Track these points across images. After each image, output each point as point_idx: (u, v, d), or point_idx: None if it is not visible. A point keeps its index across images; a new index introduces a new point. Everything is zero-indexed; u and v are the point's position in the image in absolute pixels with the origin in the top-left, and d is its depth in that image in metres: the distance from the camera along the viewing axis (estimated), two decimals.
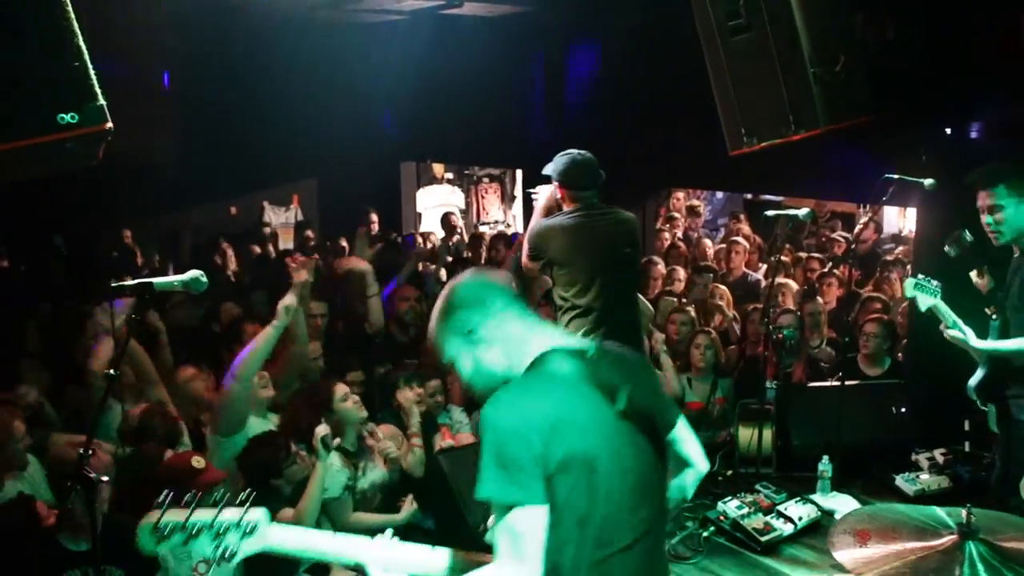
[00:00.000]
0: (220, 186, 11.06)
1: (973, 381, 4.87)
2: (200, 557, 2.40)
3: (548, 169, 5.06)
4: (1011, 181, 4.55)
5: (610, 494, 2.44)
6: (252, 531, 2.42)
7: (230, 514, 2.42)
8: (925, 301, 4.79)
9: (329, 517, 4.88)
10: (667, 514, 2.76)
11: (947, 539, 2.50)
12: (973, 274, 5.28)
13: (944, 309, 4.78)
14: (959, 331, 4.75)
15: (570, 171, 4.90)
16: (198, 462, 4.23)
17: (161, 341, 6.13)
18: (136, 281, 3.40)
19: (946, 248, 5.19)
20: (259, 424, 5.24)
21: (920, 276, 4.89)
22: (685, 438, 2.88)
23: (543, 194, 5.11)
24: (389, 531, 2.68)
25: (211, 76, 8.77)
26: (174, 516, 2.39)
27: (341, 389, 5.19)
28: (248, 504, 2.45)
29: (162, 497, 2.43)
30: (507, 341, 2.57)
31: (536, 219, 5.24)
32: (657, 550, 2.65)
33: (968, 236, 5.10)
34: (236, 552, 2.40)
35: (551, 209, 5.24)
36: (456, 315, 2.60)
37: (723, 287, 8.02)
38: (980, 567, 2.42)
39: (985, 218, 4.67)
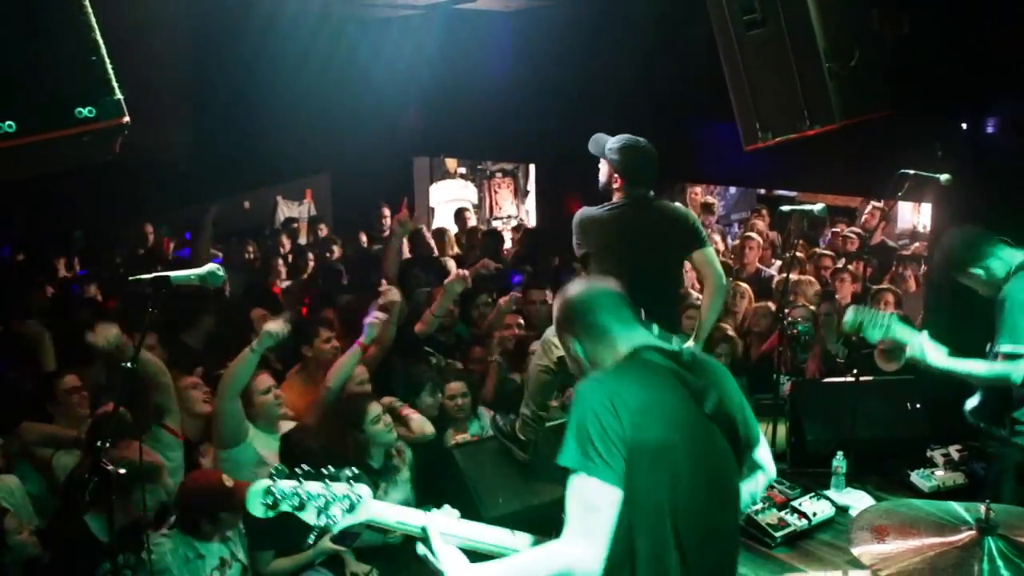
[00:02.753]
0: (234, 181, 11.08)
1: (969, 404, 4.71)
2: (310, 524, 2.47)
3: (608, 151, 4.85)
4: None
5: (691, 491, 2.47)
6: (354, 507, 2.49)
7: (339, 489, 2.50)
8: (874, 333, 4.59)
9: None
10: (737, 524, 2.79)
11: (966, 535, 2.49)
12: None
13: (900, 334, 4.52)
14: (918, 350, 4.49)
15: (629, 160, 4.74)
16: (228, 480, 4.27)
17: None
18: (152, 275, 3.40)
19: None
20: (263, 439, 5.17)
21: (861, 307, 4.74)
22: (762, 444, 2.92)
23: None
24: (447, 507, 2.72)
25: (225, 71, 8.79)
26: (286, 484, 2.46)
27: (375, 409, 5.11)
28: (355, 480, 2.54)
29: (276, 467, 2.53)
30: (605, 347, 2.69)
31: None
32: (730, 555, 2.69)
33: None
34: (336, 524, 2.47)
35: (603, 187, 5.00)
36: (572, 323, 2.78)
37: (744, 284, 8.00)
38: (1000, 563, 2.40)
39: None
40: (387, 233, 10.78)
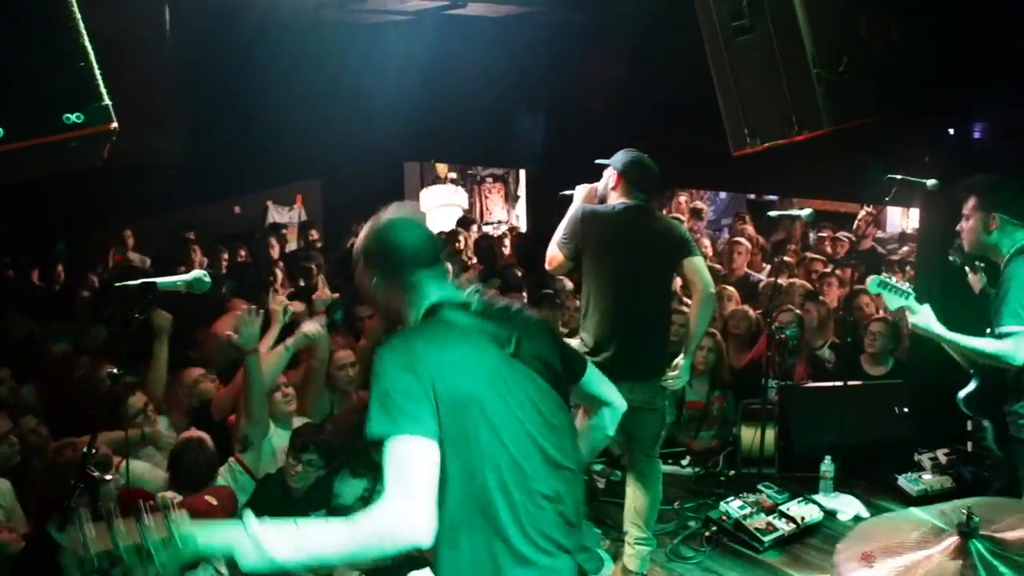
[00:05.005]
0: (224, 186, 11.07)
1: (963, 393, 4.68)
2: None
3: (614, 159, 4.79)
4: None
5: (515, 434, 2.47)
6: (182, 545, 2.23)
7: (157, 531, 2.22)
8: (894, 301, 4.55)
9: None
10: (580, 455, 2.79)
11: (950, 541, 2.48)
12: (968, 272, 5.25)
13: (914, 304, 4.49)
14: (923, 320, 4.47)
15: (635, 166, 4.70)
16: (211, 500, 4.28)
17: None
18: (139, 281, 3.42)
19: (950, 256, 5.16)
20: (279, 435, 5.23)
21: (885, 275, 4.73)
22: (598, 379, 2.93)
23: (579, 194, 4.92)
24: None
25: (215, 76, 8.77)
26: (97, 542, 2.19)
27: None
28: (175, 516, 2.26)
29: (79, 521, 2.23)
30: (408, 295, 2.64)
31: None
32: (573, 486, 2.65)
33: None
34: (171, 571, 2.25)
35: (592, 201, 4.92)
36: (374, 255, 2.68)
37: (731, 288, 8.02)
38: (993, 562, 2.39)
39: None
40: None
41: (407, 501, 2.25)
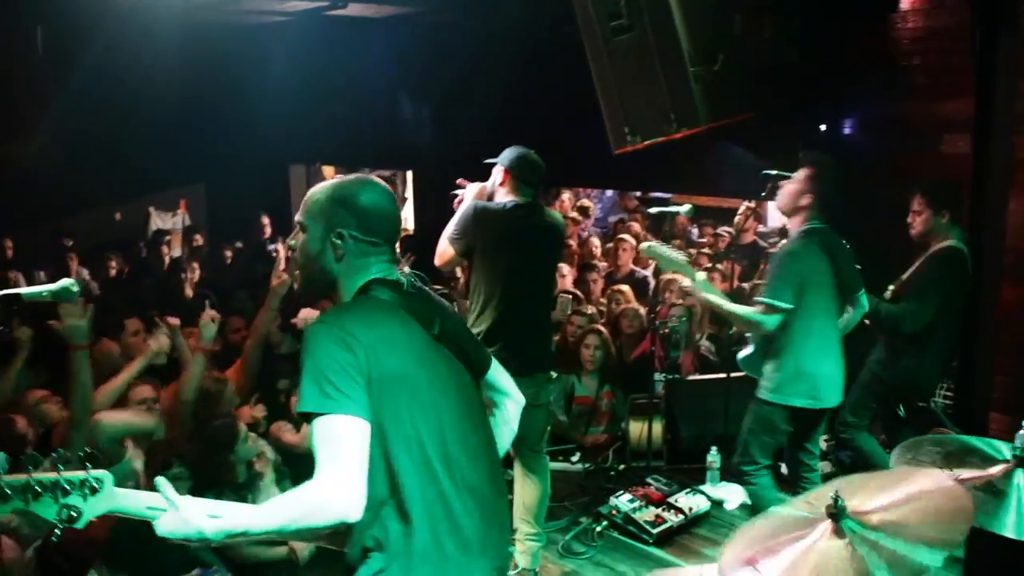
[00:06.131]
0: (103, 192, 10.77)
1: (741, 354, 5.10)
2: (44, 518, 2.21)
3: (501, 157, 4.82)
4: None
5: (440, 413, 2.49)
6: (97, 491, 2.25)
7: (73, 474, 2.23)
8: (667, 264, 5.14)
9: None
10: (494, 440, 2.81)
11: (823, 528, 2.53)
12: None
13: (688, 270, 5.08)
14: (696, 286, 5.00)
15: (522, 163, 4.74)
16: None
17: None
18: (2, 292, 3.29)
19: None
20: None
21: (658, 242, 5.29)
22: (502, 372, 2.95)
23: (468, 193, 4.94)
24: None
25: (92, 80, 8.54)
26: (13, 477, 2.20)
27: (243, 430, 4.91)
28: (92, 463, 2.27)
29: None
30: (355, 263, 2.60)
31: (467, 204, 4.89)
32: (494, 470, 2.70)
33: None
34: (82, 513, 2.23)
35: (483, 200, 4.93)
36: (344, 212, 2.59)
37: (625, 287, 8.11)
38: (866, 535, 2.46)
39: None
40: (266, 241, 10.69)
41: (337, 476, 2.23)
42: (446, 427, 2.50)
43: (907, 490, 2.66)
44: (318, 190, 2.65)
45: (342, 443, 2.27)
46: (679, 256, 5.09)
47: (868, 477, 2.89)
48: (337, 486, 2.23)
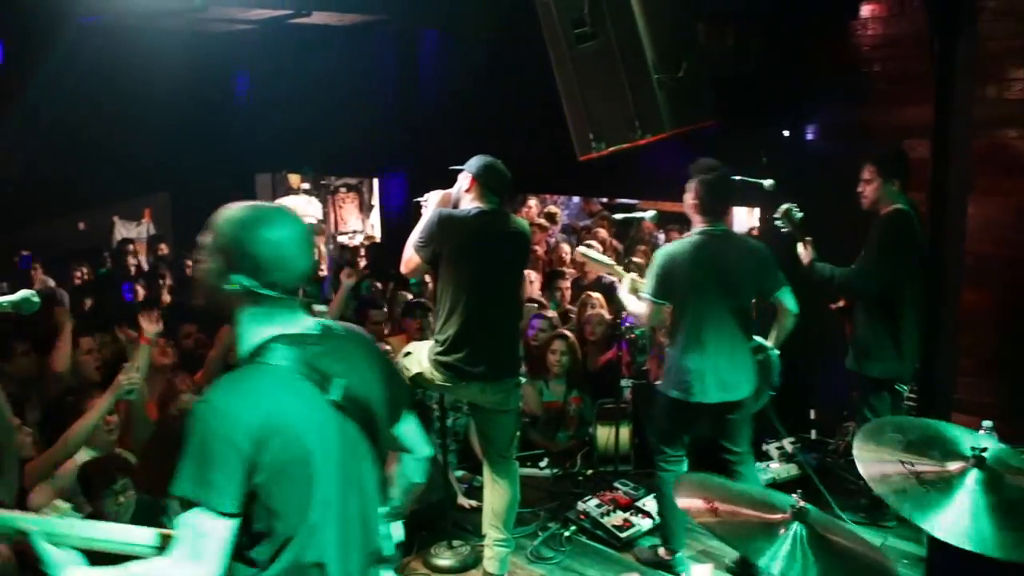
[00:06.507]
0: (66, 201, 10.69)
1: None
2: None
3: (466, 165, 4.82)
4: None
5: (325, 492, 2.42)
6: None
7: None
8: (599, 267, 5.64)
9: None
10: (376, 513, 2.68)
11: (780, 516, 2.62)
12: (799, 246, 5.60)
13: (616, 271, 5.42)
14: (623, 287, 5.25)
15: (489, 171, 4.74)
16: None
17: None
18: None
19: (776, 221, 5.62)
20: None
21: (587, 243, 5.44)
22: (411, 425, 2.86)
23: (432, 200, 4.91)
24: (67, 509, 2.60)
25: (57, 87, 8.48)
26: None
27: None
28: None
29: None
30: (253, 310, 2.45)
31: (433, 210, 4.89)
32: (369, 550, 2.62)
33: (796, 212, 5.56)
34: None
35: (447, 206, 4.94)
36: (242, 258, 2.40)
37: (597, 293, 8.13)
38: (799, 547, 2.55)
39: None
40: None
41: (195, 566, 2.25)
42: (337, 505, 2.45)
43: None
44: (224, 219, 2.46)
45: (208, 537, 2.26)
46: (607, 258, 5.36)
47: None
48: None
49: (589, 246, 6.35)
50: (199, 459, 2.26)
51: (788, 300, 4.90)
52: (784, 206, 5.56)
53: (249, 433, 2.28)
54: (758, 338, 4.98)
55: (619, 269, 5.39)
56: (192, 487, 2.26)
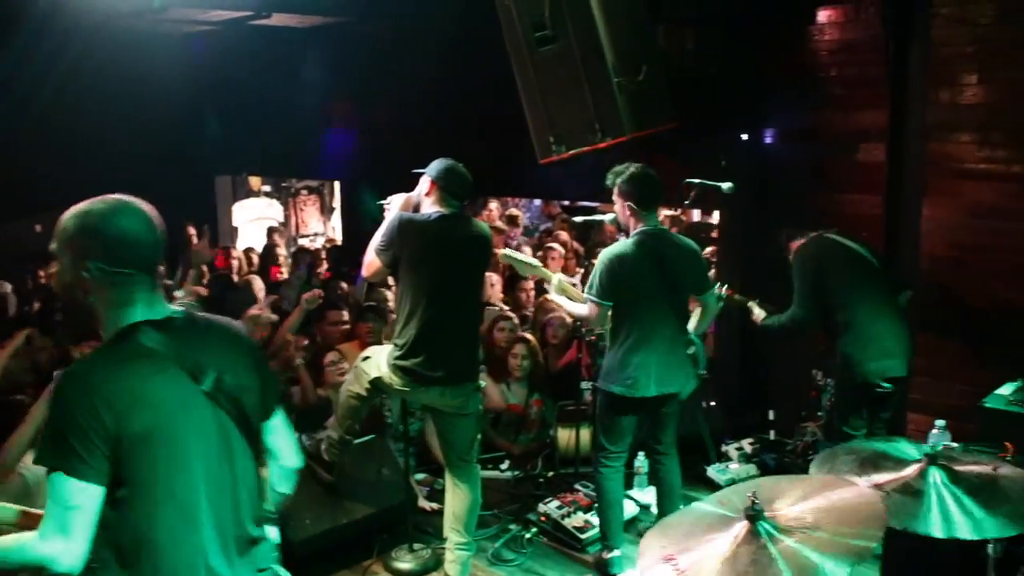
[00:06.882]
0: (22, 203, 10.55)
1: None
2: None
3: (429, 168, 4.80)
4: None
5: (190, 476, 2.41)
6: None
7: None
8: (525, 269, 5.62)
9: None
10: (252, 501, 2.63)
11: (740, 526, 2.57)
12: (752, 309, 5.87)
13: (543, 272, 5.57)
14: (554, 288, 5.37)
15: (449, 174, 4.73)
16: None
17: None
18: None
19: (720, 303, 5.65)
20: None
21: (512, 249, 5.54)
22: (278, 430, 2.79)
23: (396, 203, 4.90)
24: None
25: (7, 88, 8.38)
26: None
27: None
28: None
29: None
30: (112, 296, 2.43)
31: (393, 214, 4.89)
32: (241, 535, 2.58)
33: (731, 295, 5.82)
34: None
35: (408, 210, 4.93)
36: (89, 241, 2.42)
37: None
38: (780, 537, 2.51)
39: None
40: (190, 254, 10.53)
41: (64, 540, 2.24)
42: (203, 496, 2.43)
43: (824, 495, 2.74)
44: (67, 216, 2.47)
45: (73, 509, 2.25)
46: (532, 260, 5.49)
47: (788, 481, 2.96)
48: (63, 551, 2.23)
49: (550, 248, 6.38)
50: (59, 428, 2.27)
51: (712, 300, 5.19)
52: (721, 290, 5.64)
53: (109, 402, 2.27)
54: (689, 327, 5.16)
55: (544, 270, 5.51)
56: (53, 457, 2.26)
